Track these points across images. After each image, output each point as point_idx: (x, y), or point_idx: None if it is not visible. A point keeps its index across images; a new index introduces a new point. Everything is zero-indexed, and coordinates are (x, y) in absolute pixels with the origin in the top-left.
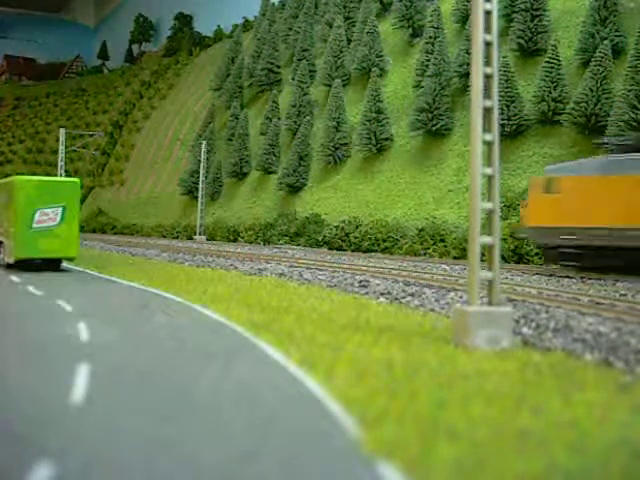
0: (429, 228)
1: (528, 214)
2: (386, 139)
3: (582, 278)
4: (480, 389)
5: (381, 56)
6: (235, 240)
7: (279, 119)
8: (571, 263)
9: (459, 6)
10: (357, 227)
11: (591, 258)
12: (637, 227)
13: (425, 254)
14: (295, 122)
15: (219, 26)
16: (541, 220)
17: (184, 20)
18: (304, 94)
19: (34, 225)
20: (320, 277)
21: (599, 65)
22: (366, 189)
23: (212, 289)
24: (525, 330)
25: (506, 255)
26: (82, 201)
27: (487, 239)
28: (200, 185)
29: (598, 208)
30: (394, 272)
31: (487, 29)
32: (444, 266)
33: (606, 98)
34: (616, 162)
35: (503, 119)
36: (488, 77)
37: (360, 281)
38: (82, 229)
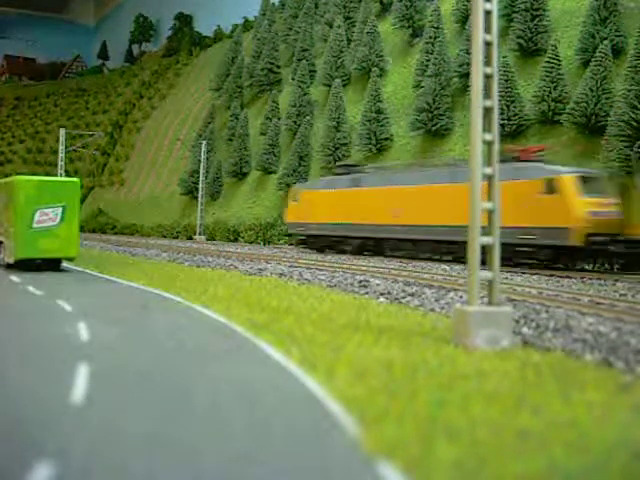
0: None
1: (286, 214)
2: (386, 139)
3: (582, 278)
4: (480, 389)
5: (381, 56)
6: (235, 240)
7: (279, 119)
8: (305, 245)
9: (459, 6)
10: None
11: (316, 243)
12: (340, 222)
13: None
14: (295, 122)
15: (219, 26)
16: (291, 218)
17: (184, 20)
18: (304, 94)
19: (34, 225)
20: (320, 277)
21: (599, 65)
22: None
23: (212, 289)
24: (525, 330)
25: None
26: (82, 201)
27: (487, 239)
28: (200, 185)
29: (321, 211)
30: (394, 272)
31: (487, 29)
32: (444, 266)
33: (606, 98)
34: (330, 181)
35: (503, 119)
36: (488, 77)
37: (360, 281)
38: (82, 229)
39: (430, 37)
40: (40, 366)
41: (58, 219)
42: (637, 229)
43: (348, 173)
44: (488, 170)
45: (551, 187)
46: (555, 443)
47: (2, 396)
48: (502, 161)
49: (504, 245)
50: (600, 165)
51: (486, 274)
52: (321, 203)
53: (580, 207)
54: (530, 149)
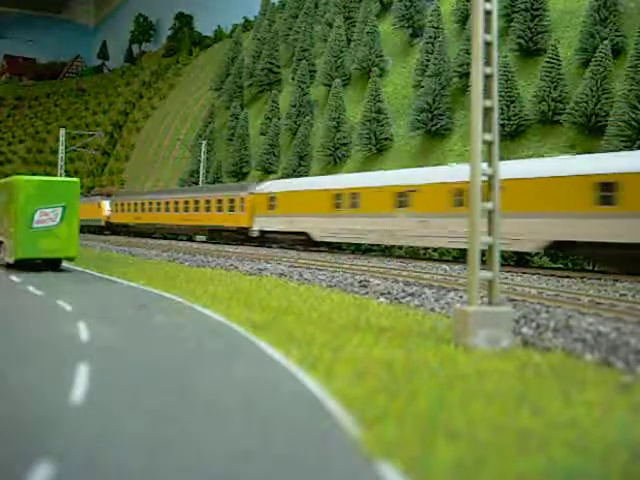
0: None
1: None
2: (386, 139)
3: (582, 278)
4: (480, 389)
5: (381, 56)
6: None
7: (279, 119)
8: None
9: (459, 6)
10: None
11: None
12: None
13: (425, 254)
14: (295, 122)
15: (219, 26)
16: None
17: (184, 20)
18: (304, 94)
19: (34, 225)
20: (320, 277)
21: (599, 65)
22: None
23: (212, 289)
24: (525, 330)
25: (506, 255)
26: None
27: (487, 239)
28: (200, 185)
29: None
30: (394, 272)
31: (487, 29)
32: (444, 266)
33: (606, 98)
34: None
35: (503, 119)
36: (488, 77)
37: (360, 281)
38: (82, 229)
39: (430, 37)
40: (40, 366)
41: (58, 219)
42: None
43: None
44: (488, 170)
45: None
46: (555, 443)
47: (2, 396)
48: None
49: None
50: None
51: (486, 274)
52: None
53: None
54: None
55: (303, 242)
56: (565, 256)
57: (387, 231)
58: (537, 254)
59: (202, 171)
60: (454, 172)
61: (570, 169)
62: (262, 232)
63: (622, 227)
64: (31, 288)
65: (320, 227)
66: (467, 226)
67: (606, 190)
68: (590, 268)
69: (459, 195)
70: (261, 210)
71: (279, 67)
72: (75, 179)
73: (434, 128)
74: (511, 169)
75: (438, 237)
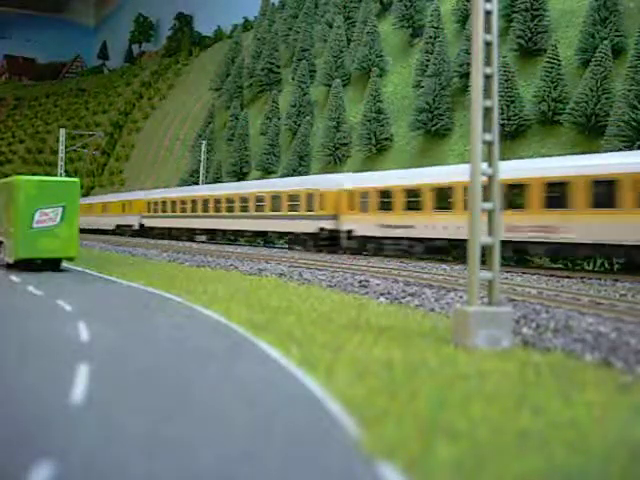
0: None
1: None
2: (386, 139)
3: (582, 278)
4: (480, 389)
5: (381, 56)
6: (235, 240)
7: (279, 119)
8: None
9: (459, 6)
10: None
11: None
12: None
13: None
14: (295, 122)
15: (219, 26)
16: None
17: (184, 20)
18: (304, 94)
19: (34, 225)
20: (320, 277)
21: (599, 65)
22: None
23: (212, 289)
24: (525, 330)
25: (506, 255)
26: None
27: (487, 239)
28: (200, 185)
29: None
30: (394, 272)
31: (487, 29)
32: (444, 266)
33: (606, 98)
34: None
35: (503, 119)
36: (488, 77)
37: (360, 281)
38: (82, 229)
39: (430, 37)
40: (40, 366)
41: (58, 219)
42: None
43: None
44: (488, 170)
45: None
46: (555, 443)
47: (2, 396)
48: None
49: None
50: None
51: (486, 274)
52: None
53: None
54: None
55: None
56: (565, 256)
57: None
58: (537, 254)
59: (202, 171)
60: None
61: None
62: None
63: None
64: (31, 288)
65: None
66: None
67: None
68: (590, 268)
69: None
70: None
71: (279, 67)
72: (75, 179)
73: (434, 128)
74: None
75: None
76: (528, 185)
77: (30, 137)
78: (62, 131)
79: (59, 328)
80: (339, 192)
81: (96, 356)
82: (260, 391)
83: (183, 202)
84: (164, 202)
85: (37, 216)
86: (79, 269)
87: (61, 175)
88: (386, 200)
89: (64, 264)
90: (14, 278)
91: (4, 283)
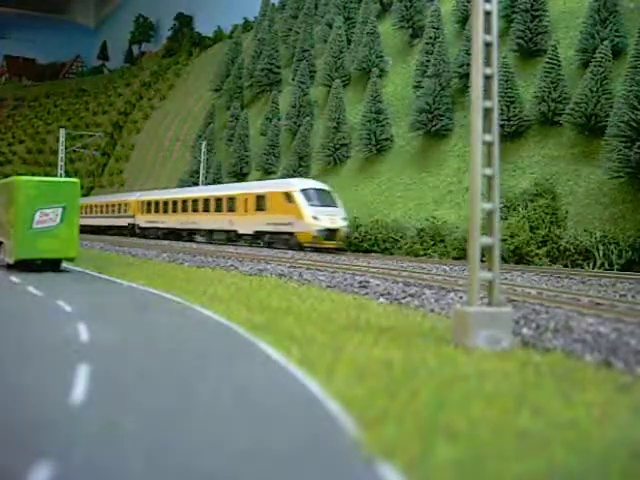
0: (429, 228)
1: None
2: (386, 139)
3: (582, 278)
4: (480, 389)
5: (381, 56)
6: (235, 240)
7: (279, 119)
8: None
9: (459, 6)
10: (357, 227)
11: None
12: None
13: (425, 254)
14: (295, 122)
15: (219, 26)
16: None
17: (184, 20)
18: (304, 94)
19: (34, 225)
20: (320, 277)
21: (599, 66)
22: (366, 189)
23: (212, 289)
24: (525, 330)
25: (505, 255)
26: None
27: (487, 239)
28: (200, 185)
29: None
30: (394, 272)
31: (487, 30)
32: (444, 266)
33: (606, 99)
34: None
35: (503, 120)
36: (488, 78)
37: (360, 281)
38: (82, 230)
39: (430, 37)
40: (40, 366)
41: (58, 219)
42: None
43: None
44: (488, 171)
45: None
46: (555, 443)
47: (2, 396)
48: None
49: None
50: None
51: (486, 274)
52: None
53: None
54: None
55: None
56: (565, 256)
57: None
58: (537, 254)
59: (202, 171)
60: None
61: None
62: None
63: None
64: (31, 288)
65: None
66: None
67: None
68: (590, 268)
69: None
70: None
71: (279, 67)
72: (75, 179)
73: (434, 129)
74: None
75: None
76: (220, 198)
77: (30, 137)
78: (62, 131)
79: (59, 328)
80: (136, 201)
81: (96, 356)
82: (260, 391)
83: (158, 203)
84: (149, 203)
85: (37, 216)
86: (79, 269)
87: (61, 175)
88: (154, 207)
89: (64, 264)
90: (14, 278)
91: (4, 283)
